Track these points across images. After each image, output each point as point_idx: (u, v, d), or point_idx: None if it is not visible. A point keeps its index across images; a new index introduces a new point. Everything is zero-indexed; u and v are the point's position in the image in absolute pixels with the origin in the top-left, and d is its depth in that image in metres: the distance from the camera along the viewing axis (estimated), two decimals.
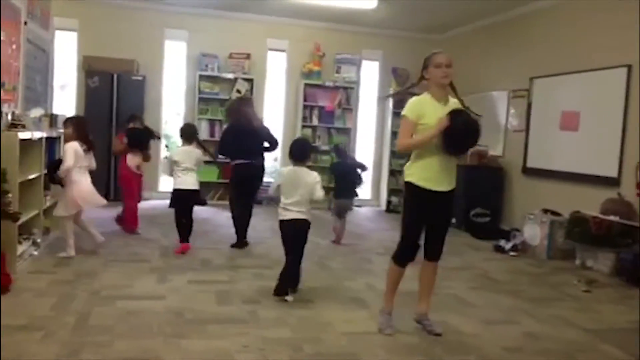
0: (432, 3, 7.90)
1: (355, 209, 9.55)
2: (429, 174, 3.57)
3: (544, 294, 4.93)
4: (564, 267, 6.02)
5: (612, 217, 5.70)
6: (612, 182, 6.08)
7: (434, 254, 3.76)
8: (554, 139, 7.07)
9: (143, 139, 6.47)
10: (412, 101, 3.60)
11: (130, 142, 6.34)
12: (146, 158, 6.52)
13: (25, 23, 6.06)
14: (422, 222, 3.67)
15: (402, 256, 3.72)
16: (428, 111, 3.53)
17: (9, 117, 4.82)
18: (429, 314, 3.82)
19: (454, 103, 3.62)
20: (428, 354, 3.40)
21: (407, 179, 3.68)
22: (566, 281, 5.41)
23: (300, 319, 3.88)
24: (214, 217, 7.66)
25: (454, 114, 3.45)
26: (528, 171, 7.59)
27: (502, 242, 6.73)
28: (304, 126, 9.59)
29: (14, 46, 5.75)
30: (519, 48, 7.91)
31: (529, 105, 7.60)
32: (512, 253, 6.51)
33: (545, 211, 6.66)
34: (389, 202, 9.78)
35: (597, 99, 6.40)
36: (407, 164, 3.71)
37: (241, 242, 6.04)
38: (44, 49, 7.10)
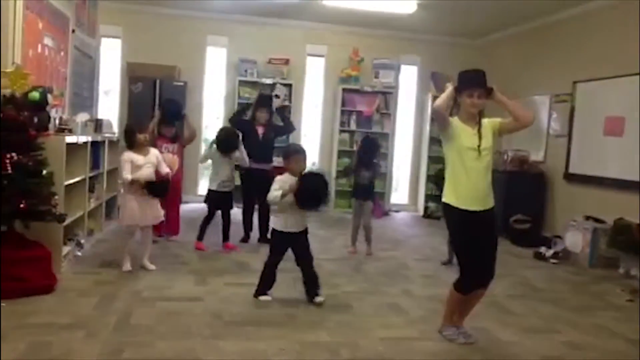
0: (471, 8, 7.82)
1: (392, 213, 9.56)
2: (462, 193, 3.52)
3: (585, 303, 4.82)
4: (606, 275, 5.87)
5: None
6: None
7: (483, 279, 3.63)
8: (598, 144, 6.91)
9: (177, 109, 6.27)
10: None
11: (162, 117, 6.13)
12: (185, 135, 6.28)
13: (73, 31, 6.26)
14: (471, 242, 3.54)
15: (466, 286, 3.60)
16: (459, 132, 3.52)
17: (57, 122, 4.98)
18: (463, 324, 3.76)
19: (487, 122, 3.59)
20: None
21: (442, 200, 3.66)
22: (609, 290, 5.28)
23: (337, 323, 3.89)
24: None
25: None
26: (570, 177, 7.44)
27: (542, 249, 6.61)
28: (341, 131, 9.59)
29: (62, 53, 5.96)
30: (561, 52, 7.77)
31: (572, 110, 7.45)
32: (553, 260, 6.39)
33: (588, 218, 6.52)
34: (426, 208, 9.70)
35: None
36: (445, 186, 3.67)
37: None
38: (90, 55, 7.32)
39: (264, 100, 6.79)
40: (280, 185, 4.22)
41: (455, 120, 3.57)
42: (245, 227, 6.48)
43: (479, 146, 3.48)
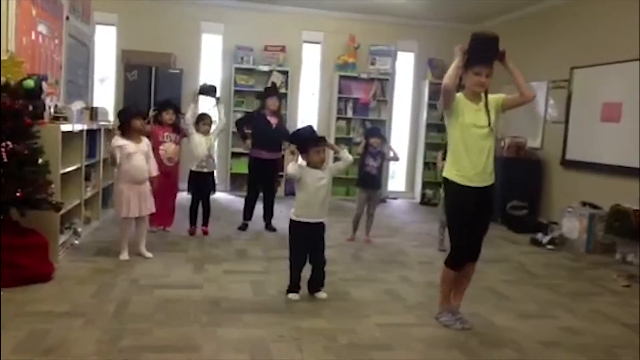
0: None
1: (389, 201, 9.57)
2: (465, 170, 3.53)
3: (582, 288, 4.84)
4: (603, 261, 5.90)
5: None
6: None
7: (471, 254, 3.68)
8: (595, 130, 6.91)
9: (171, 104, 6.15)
10: None
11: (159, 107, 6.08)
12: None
13: (68, 18, 6.21)
14: (467, 220, 3.56)
15: (456, 260, 3.65)
16: (462, 109, 3.51)
17: (52, 110, 4.95)
18: (459, 308, 3.78)
19: (491, 99, 3.57)
20: (463, 346, 3.39)
21: (443, 174, 3.67)
22: (605, 276, 5.30)
23: (334, 310, 3.90)
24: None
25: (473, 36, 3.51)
26: (567, 163, 7.44)
27: (539, 236, 6.63)
28: (338, 118, 9.59)
29: (56, 41, 5.91)
30: (558, 38, 7.75)
31: (569, 96, 7.44)
32: (549, 246, 6.41)
33: (585, 204, 6.54)
34: (423, 195, 9.72)
35: None
36: (446, 161, 3.68)
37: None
38: (85, 43, 7.27)
39: (272, 89, 6.81)
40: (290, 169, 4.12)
41: (459, 96, 3.55)
42: (244, 215, 6.49)
43: (488, 124, 3.48)
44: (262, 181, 6.50)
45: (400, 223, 7.64)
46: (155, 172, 5.14)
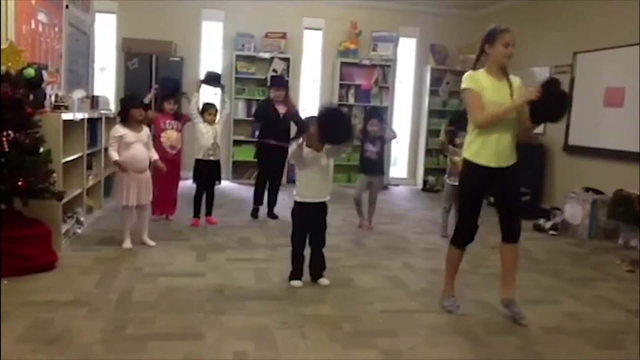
0: None
1: (391, 187, 9.56)
2: (486, 150, 3.45)
3: (585, 274, 4.84)
4: (606, 246, 5.89)
5: None
6: None
7: (508, 234, 3.62)
8: (598, 115, 6.87)
9: (175, 86, 6.18)
10: (469, 74, 3.49)
11: (163, 91, 6.06)
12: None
13: (67, 7, 6.17)
14: (478, 200, 3.56)
15: (461, 238, 3.66)
16: (486, 85, 3.43)
17: (53, 99, 4.93)
18: (514, 299, 3.67)
19: (518, 81, 3.52)
20: (467, 333, 3.39)
21: (464, 155, 3.60)
22: (608, 261, 5.30)
23: (338, 296, 3.91)
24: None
25: (546, 84, 3.36)
26: (570, 149, 7.42)
27: (541, 221, 6.62)
28: (340, 105, 9.52)
29: (56, 29, 5.88)
30: (561, 23, 7.68)
31: (572, 81, 7.39)
32: (552, 232, 6.40)
33: (587, 189, 6.52)
34: (425, 181, 9.70)
35: None
36: (467, 140, 3.59)
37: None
38: (85, 31, 7.23)
39: (275, 80, 6.82)
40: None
41: (480, 73, 3.47)
42: (255, 200, 6.53)
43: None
44: (269, 167, 6.50)
45: (403, 210, 7.64)
46: (155, 155, 5.15)
